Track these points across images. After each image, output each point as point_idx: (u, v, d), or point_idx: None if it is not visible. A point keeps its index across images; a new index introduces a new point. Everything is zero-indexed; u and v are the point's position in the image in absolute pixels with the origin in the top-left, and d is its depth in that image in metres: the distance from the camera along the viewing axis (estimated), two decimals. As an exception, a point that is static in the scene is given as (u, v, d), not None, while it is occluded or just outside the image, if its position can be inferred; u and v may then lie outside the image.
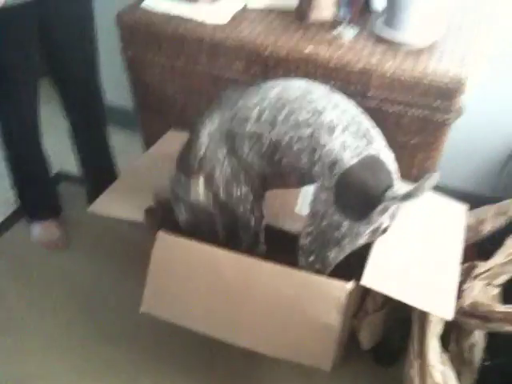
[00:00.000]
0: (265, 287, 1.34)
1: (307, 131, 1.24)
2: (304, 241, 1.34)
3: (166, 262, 1.43)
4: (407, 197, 1.15)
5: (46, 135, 2.27)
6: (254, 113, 1.29)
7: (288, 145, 1.27)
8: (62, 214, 2.10)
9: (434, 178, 1.12)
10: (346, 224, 1.22)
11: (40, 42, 1.69)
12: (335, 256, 1.30)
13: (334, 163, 1.21)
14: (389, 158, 1.26)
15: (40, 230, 2.02)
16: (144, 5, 1.70)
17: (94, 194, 1.67)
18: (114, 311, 1.79)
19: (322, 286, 1.31)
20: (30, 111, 1.82)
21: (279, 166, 1.32)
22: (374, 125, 1.29)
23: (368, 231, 1.24)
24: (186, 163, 1.41)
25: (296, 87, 1.31)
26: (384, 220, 1.24)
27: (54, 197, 2.09)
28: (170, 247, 1.43)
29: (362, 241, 1.26)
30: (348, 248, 1.28)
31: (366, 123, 1.27)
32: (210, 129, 1.36)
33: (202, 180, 1.39)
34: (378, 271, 1.31)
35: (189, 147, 1.42)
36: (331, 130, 1.22)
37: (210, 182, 1.39)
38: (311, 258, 1.34)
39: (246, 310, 1.36)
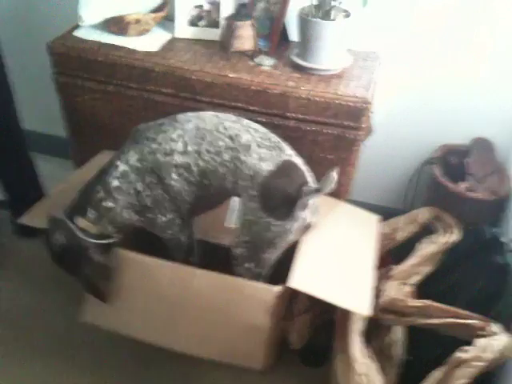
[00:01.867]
0: (198, 293, 1.42)
1: (228, 155, 1.38)
2: (238, 250, 1.46)
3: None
4: (319, 190, 1.34)
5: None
6: (179, 145, 1.40)
7: (214, 170, 1.40)
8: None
9: (334, 175, 1.34)
10: (275, 224, 1.37)
11: None
12: (270, 256, 1.45)
13: (255, 174, 1.36)
14: (299, 161, 1.44)
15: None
16: (76, 33, 1.79)
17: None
18: (53, 333, 1.78)
19: (251, 289, 1.42)
20: None
21: (209, 190, 1.44)
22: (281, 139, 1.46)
23: (295, 227, 1.40)
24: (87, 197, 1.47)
25: (209, 119, 1.44)
26: (306, 215, 1.42)
27: None
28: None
29: (291, 237, 1.43)
30: (280, 246, 1.44)
31: (275, 137, 1.44)
32: (122, 169, 1.42)
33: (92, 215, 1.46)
34: (303, 274, 1.42)
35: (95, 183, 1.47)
36: (247, 148, 1.38)
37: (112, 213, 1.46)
38: (248, 265, 1.46)
39: (182, 315, 1.44)
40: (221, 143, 1.39)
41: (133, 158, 1.41)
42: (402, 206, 2.06)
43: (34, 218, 1.61)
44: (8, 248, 2.09)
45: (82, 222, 1.43)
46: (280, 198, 1.36)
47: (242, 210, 1.44)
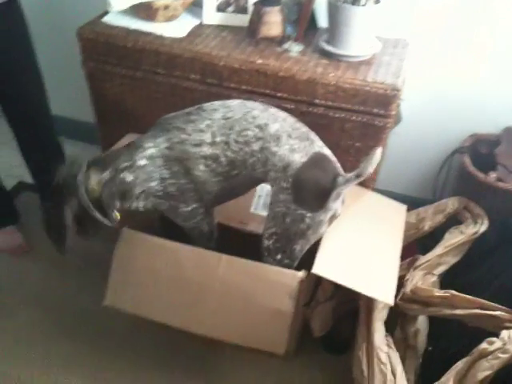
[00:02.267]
0: (222, 278, 1.43)
1: (257, 145, 1.37)
2: (268, 242, 1.45)
3: (128, 257, 1.51)
4: (357, 177, 1.29)
5: (5, 147, 2.32)
6: (207, 136, 1.38)
7: (243, 160, 1.39)
8: (22, 222, 2.12)
9: (377, 155, 1.26)
10: (308, 215, 1.35)
11: None
12: (301, 248, 1.43)
13: (287, 166, 1.34)
14: (329, 152, 1.41)
15: (1, 238, 2.04)
16: (104, 20, 1.81)
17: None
18: (77, 312, 1.83)
19: (276, 275, 1.42)
20: None
21: (236, 180, 1.43)
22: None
23: (327, 218, 1.38)
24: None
25: (236, 107, 1.42)
26: (338, 206, 1.39)
27: (9, 205, 2.11)
28: (132, 243, 1.51)
29: (323, 228, 1.40)
30: (313, 238, 1.41)
31: (304, 128, 1.41)
32: (151, 152, 1.41)
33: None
34: (328, 261, 1.42)
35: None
36: (278, 139, 1.36)
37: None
38: (279, 256, 1.45)
39: (206, 300, 1.45)
40: (250, 133, 1.37)
41: (162, 144, 1.41)
42: (431, 196, 2.03)
43: None
44: (38, 231, 2.13)
45: (95, 177, 1.41)
46: (313, 190, 1.34)
47: (271, 198, 1.43)
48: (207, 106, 1.44)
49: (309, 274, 1.41)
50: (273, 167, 1.36)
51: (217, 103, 1.45)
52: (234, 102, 1.44)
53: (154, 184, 1.43)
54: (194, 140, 1.39)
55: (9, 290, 1.92)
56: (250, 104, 1.44)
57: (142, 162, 1.40)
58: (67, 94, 2.28)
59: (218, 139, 1.38)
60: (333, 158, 1.40)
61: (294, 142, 1.35)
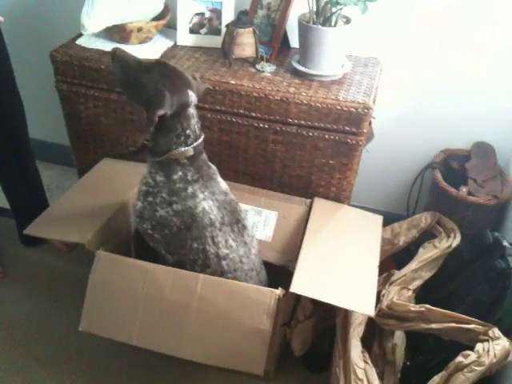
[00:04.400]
0: (200, 297, 1.42)
1: None
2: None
3: (104, 280, 1.49)
4: None
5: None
6: None
7: None
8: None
9: None
10: None
11: None
12: None
13: None
14: None
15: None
16: (78, 42, 1.81)
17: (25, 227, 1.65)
18: (52, 339, 1.80)
19: (253, 293, 1.42)
20: None
21: None
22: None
23: None
24: None
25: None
26: None
27: None
28: (108, 265, 1.49)
29: None
30: None
31: None
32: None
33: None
34: (305, 279, 1.44)
35: None
36: None
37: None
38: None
39: (184, 320, 1.43)
40: None
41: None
42: (405, 212, 2.07)
43: (39, 228, 1.62)
44: (13, 256, 2.10)
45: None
46: None
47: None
48: None
49: (287, 293, 1.41)
50: None
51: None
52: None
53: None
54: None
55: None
56: None
57: None
58: (43, 116, 2.27)
59: None
60: None
61: None
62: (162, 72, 1.32)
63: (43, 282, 2.00)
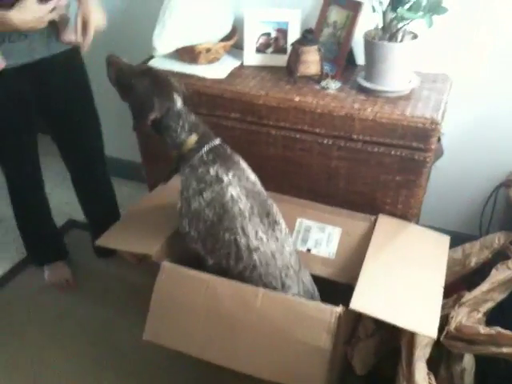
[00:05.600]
0: (259, 312, 1.43)
1: None
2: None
3: (168, 291, 1.53)
4: None
5: (57, 187, 2.43)
6: None
7: None
8: (70, 258, 2.21)
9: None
10: None
11: (38, 105, 1.78)
12: None
13: None
14: None
15: (49, 272, 2.13)
16: (150, 63, 1.89)
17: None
18: (121, 349, 1.86)
19: (313, 310, 1.41)
20: (30, 168, 1.91)
21: None
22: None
23: None
24: None
25: None
26: None
27: (59, 241, 2.20)
28: (172, 277, 1.53)
29: None
30: None
31: None
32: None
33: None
34: (366, 296, 1.41)
35: None
36: None
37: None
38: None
39: (243, 335, 1.44)
40: None
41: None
42: (477, 232, 1.98)
43: (110, 239, 1.69)
44: (87, 267, 2.21)
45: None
46: None
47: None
48: None
49: (347, 310, 1.39)
50: None
51: None
52: None
53: None
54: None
55: (54, 322, 1.99)
56: None
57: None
58: (118, 135, 2.38)
59: None
60: None
61: None
62: (152, 79, 1.49)
63: (113, 293, 2.09)
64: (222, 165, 1.47)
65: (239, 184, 1.47)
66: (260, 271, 1.49)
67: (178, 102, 1.49)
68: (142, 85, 1.47)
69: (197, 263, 1.56)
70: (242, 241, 1.46)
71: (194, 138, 1.49)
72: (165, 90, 1.48)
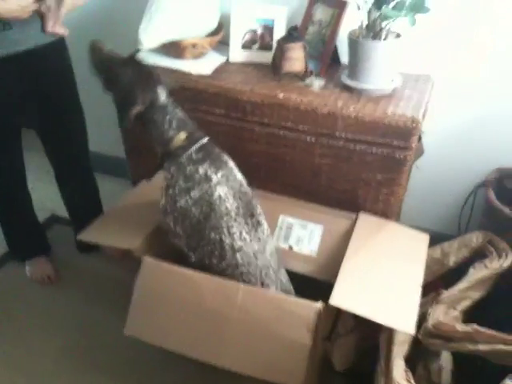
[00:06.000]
0: (240, 307, 1.44)
1: None
2: None
3: (149, 286, 1.53)
4: None
5: (40, 181, 2.41)
6: None
7: None
8: (53, 253, 2.20)
9: None
10: None
11: (22, 98, 1.76)
12: None
13: None
14: None
15: (31, 267, 2.11)
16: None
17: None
18: (103, 344, 1.86)
19: (293, 306, 1.42)
20: (13, 162, 1.90)
21: None
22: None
23: None
24: None
25: None
26: None
27: (40, 236, 2.19)
28: (153, 272, 1.53)
29: None
30: None
31: None
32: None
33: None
34: (345, 292, 1.43)
35: None
36: None
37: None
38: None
39: (224, 328, 1.45)
40: None
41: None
42: (456, 231, 2.00)
43: (92, 234, 1.69)
44: (69, 262, 2.20)
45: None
46: None
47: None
48: None
49: (327, 306, 1.40)
50: None
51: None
52: None
53: None
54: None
55: (38, 317, 1.97)
56: None
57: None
58: (100, 130, 2.37)
59: None
60: None
61: None
62: (135, 70, 1.46)
63: (96, 288, 2.08)
64: (211, 164, 1.47)
65: (227, 184, 1.47)
66: (241, 270, 1.49)
67: (163, 96, 1.47)
68: (124, 75, 1.44)
69: (179, 259, 1.57)
70: (227, 241, 1.47)
71: (182, 136, 1.48)
72: (148, 81, 1.46)
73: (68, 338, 1.89)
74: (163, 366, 1.77)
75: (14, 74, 1.70)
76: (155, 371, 1.76)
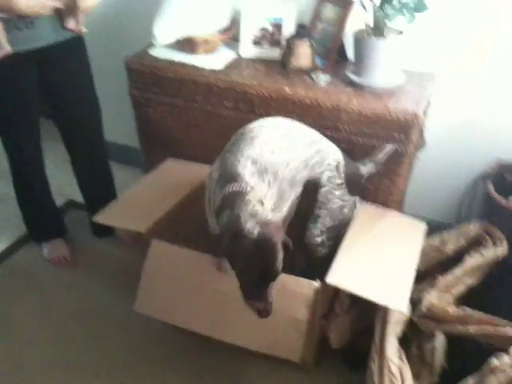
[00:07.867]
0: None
1: (314, 148, 1.57)
2: (321, 238, 1.68)
3: (157, 267, 1.64)
4: (377, 165, 1.72)
5: (59, 170, 2.52)
6: (277, 146, 1.46)
7: (306, 160, 1.54)
8: (69, 237, 2.30)
9: (390, 148, 1.70)
10: (357, 201, 1.74)
11: (40, 88, 1.87)
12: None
13: (338, 164, 1.62)
14: None
15: (48, 249, 2.22)
16: (150, 52, 2.00)
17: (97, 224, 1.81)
18: (114, 323, 1.95)
19: (293, 284, 1.51)
20: (32, 148, 2.01)
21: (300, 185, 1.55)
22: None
23: None
24: None
25: (284, 123, 1.59)
26: None
27: (58, 219, 2.29)
28: (161, 253, 1.64)
29: None
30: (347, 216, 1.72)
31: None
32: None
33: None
34: (342, 272, 1.51)
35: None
36: (322, 140, 1.62)
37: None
38: (330, 242, 1.70)
39: (229, 308, 1.54)
40: (306, 139, 1.57)
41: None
42: (456, 221, 2.07)
43: (105, 217, 1.78)
44: (85, 247, 2.30)
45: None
46: (356, 180, 1.69)
47: (322, 198, 1.62)
48: (256, 125, 1.54)
49: (325, 285, 1.48)
50: (327, 167, 1.59)
51: (264, 121, 1.57)
52: (278, 119, 1.61)
53: None
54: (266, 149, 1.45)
55: (52, 295, 2.08)
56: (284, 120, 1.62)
57: None
58: (114, 120, 2.45)
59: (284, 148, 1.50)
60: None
61: (329, 143, 1.65)
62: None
63: (110, 271, 2.18)
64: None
65: None
66: None
67: None
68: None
69: (186, 243, 1.66)
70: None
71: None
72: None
73: (81, 316, 1.98)
74: (167, 338, 1.84)
75: (35, 67, 1.81)
76: (158, 343, 1.84)
